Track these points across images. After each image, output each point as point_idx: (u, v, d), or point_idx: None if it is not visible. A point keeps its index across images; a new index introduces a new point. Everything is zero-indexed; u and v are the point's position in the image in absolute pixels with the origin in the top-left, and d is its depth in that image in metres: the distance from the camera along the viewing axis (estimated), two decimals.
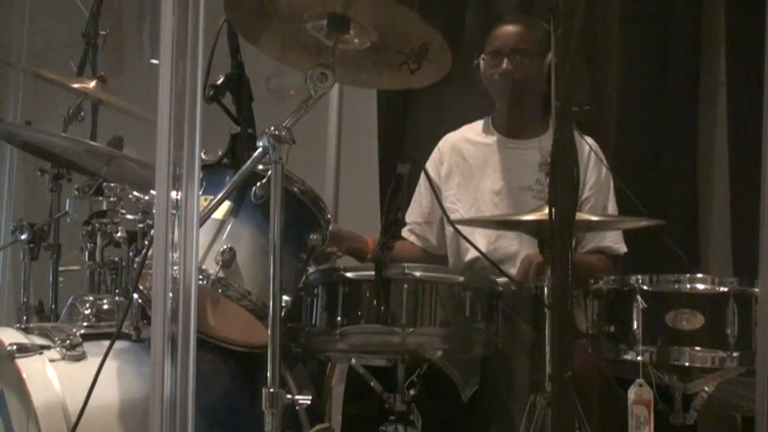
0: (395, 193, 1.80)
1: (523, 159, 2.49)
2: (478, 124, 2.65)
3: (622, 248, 2.46)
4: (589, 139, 2.40)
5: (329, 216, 2.01)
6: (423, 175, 2.52)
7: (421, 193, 2.63)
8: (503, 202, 2.49)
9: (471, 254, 2.43)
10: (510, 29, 2.50)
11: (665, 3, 2.86)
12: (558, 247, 1.47)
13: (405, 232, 2.63)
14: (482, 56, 2.51)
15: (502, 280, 2.01)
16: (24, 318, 2.38)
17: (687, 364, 1.77)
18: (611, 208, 2.45)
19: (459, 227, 2.25)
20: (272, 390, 1.59)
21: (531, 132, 2.53)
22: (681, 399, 1.86)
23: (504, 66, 2.45)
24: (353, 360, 1.97)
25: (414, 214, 2.64)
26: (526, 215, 1.92)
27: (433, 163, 2.64)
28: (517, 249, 2.41)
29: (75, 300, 2.14)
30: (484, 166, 2.56)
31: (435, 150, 2.67)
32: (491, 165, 2.55)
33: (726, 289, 1.78)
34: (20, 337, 1.92)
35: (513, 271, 2.25)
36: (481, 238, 2.43)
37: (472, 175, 2.57)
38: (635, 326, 1.77)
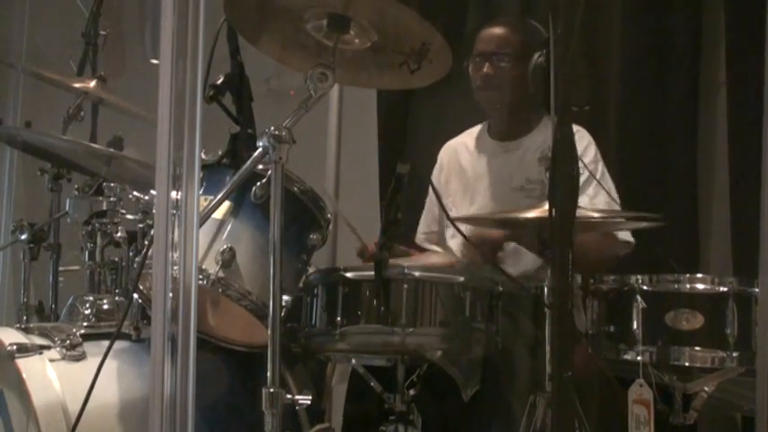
0: (395, 193, 1.80)
1: (511, 161, 2.50)
2: (476, 129, 2.67)
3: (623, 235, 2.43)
4: (581, 134, 2.40)
5: (329, 216, 2.01)
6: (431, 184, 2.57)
7: (431, 201, 2.67)
8: (496, 205, 2.50)
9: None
10: (492, 32, 2.50)
11: (665, 3, 2.86)
12: (558, 247, 1.47)
13: (422, 241, 2.68)
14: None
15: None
16: (24, 318, 2.38)
17: (687, 364, 1.78)
18: (594, 194, 2.39)
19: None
20: (272, 390, 1.59)
21: (516, 134, 2.54)
22: (681, 399, 1.86)
23: (485, 69, 2.46)
24: (353, 360, 1.97)
25: (427, 223, 2.69)
26: (526, 213, 1.92)
27: (435, 172, 2.68)
28: (515, 246, 2.42)
29: (75, 300, 2.15)
30: (478, 171, 2.58)
31: (438, 159, 2.70)
32: (484, 169, 2.57)
33: (726, 289, 1.78)
34: (20, 337, 1.92)
35: (512, 270, 2.25)
36: None
37: (468, 182, 2.59)
38: (635, 326, 1.78)
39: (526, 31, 2.44)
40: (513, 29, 2.49)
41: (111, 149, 2.20)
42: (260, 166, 1.76)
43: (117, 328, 1.90)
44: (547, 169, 1.56)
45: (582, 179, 2.33)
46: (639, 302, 1.77)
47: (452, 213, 2.55)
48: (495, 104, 2.53)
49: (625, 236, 2.42)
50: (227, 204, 1.83)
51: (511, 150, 2.54)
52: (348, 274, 1.82)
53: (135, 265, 1.99)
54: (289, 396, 1.62)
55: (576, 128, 2.39)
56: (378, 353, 1.88)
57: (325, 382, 2.28)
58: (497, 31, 2.50)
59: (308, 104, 1.76)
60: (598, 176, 2.40)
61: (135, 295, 1.94)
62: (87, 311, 2.11)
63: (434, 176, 2.66)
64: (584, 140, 2.42)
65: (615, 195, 2.38)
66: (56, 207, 2.48)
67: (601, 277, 1.92)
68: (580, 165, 2.29)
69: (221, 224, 1.83)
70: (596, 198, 2.36)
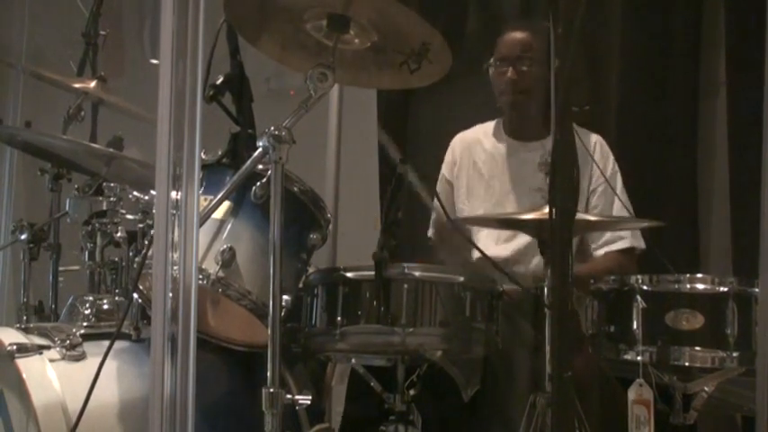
0: (395, 192, 1.80)
1: (533, 161, 2.49)
2: (490, 126, 2.66)
3: (631, 243, 2.45)
4: (595, 136, 2.45)
5: (329, 216, 2.01)
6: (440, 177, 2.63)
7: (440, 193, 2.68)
8: (513, 205, 2.50)
9: (477, 253, 2.44)
10: (516, 36, 2.50)
11: (665, 3, 2.86)
12: (558, 247, 1.47)
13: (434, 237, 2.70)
14: (491, 60, 2.52)
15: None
16: (24, 318, 2.38)
17: (687, 364, 1.78)
18: (619, 203, 2.43)
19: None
20: (272, 390, 1.59)
21: (537, 134, 2.54)
22: (681, 399, 1.86)
23: (509, 74, 2.47)
24: (353, 360, 1.97)
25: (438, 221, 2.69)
26: (526, 215, 1.92)
27: (446, 162, 2.68)
28: (523, 248, 2.43)
29: (75, 300, 2.14)
30: (494, 169, 2.58)
31: (449, 150, 2.70)
32: (501, 168, 2.57)
33: (726, 289, 1.78)
34: (20, 337, 1.92)
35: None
36: (489, 239, 2.45)
37: (482, 179, 2.59)
38: (635, 326, 1.78)
39: (548, 34, 2.43)
40: (536, 32, 2.48)
41: (111, 149, 2.20)
42: (260, 166, 1.76)
43: (117, 328, 1.89)
44: (547, 174, 1.55)
45: (599, 189, 2.38)
46: (639, 302, 1.77)
47: (462, 208, 2.57)
48: (519, 108, 2.54)
49: (638, 243, 2.43)
50: (227, 204, 1.82)
51: (532, 150, 2.52)
52: (348, 274, 1.82)
53: (135, 265, 1.99)
54: (289, 396, 1.62)
55: (595, 137, 2.44)
56: (378, 353, 1.88)
57: (325, 382, 2.28)
58: (520, 35, 2.50)
59: (308, 104, 1.75)
60: (618, 191, 2.43)
61: (135, 295, 1.94)
62: (87, 311, 2.11)
63: (446, 168, 2.67)
64: (605, 153, 2.47)
65: (629, 206, 2.41)
66: (56, 207, 2.48)
67: (601, 277, 1.93)
68: (601, 178, 2.39)
69: (221, 224, 1.83)
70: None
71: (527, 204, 2.43)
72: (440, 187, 2.66)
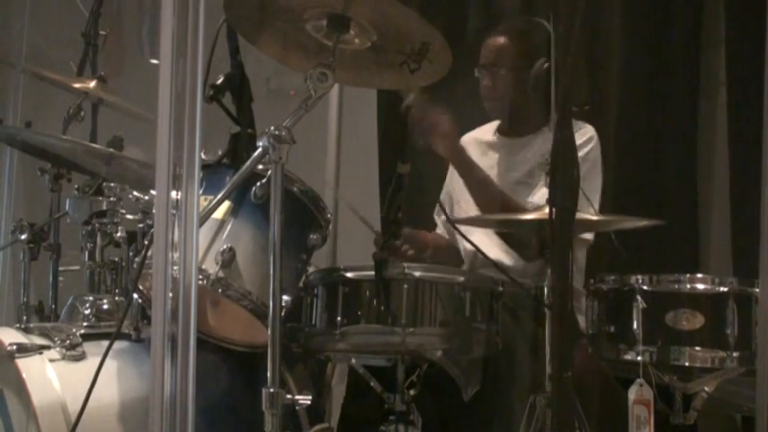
0: (395, 193, 1.80)
1: (515, 157, 2.52)
2: (489, 125, 2.68)
3: None
4: (584, 131, 2.41)
5: (329, 216, 2.01)
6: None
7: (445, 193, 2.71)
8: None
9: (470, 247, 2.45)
10: (491, 44, 2.52)
11: (666, 3, 2.86)
12: (558, 247, 1.47)
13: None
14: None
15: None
16: (24, 318, 2.37)
17: (687, 364, 1.78)
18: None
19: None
20: (272, 390, 1.59)
21: (523, 132, 2.56)
22: (681, 399, 1.86)
23: (485, 81, 2.50)
24: (353, 360, 1.97)
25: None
26: (526, 215, 1.92)
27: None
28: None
29: (75, 300, 2.14)
30: (484, 167, 2.58)
31: None
32: (489, 165, 2.57)
33: (726, 289, 1.78)
34: (20, 337, 1.92)
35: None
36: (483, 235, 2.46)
37: None
38: (635, 326, 1.78)
39: (526, 38, 2.44)
40: (512, 38, 2.49)
41: (111, 149, 2.20)
42: (260, 166, 1.76)
43: (117, 328, 1.89)
44: (547, 174, 1.55)
45: None
46: (640, 302, 1.77)
47: (459, 208, 2.57)
48: (497, 112, 2.57)
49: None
50: (227, 204, 1.82)
51: (517, 147, 2.55)
52: (348, 274, 1.82)
53: (135, 265, 1.99)
54: (289, 396, 1.62)
55: (581, 124, 2.42)
56: (378, 353, 1.89)
57: (325, 382, 2.28)
58: (495, 42, 2.52)
59: (308, 104, 1.75)
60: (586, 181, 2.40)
61: (135, 295, 1.94)
62: (87, 311, 2.11)
63: (449, 172, 2.68)
64: (581, 139, 2.43)
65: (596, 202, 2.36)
66: (56, 207, 2.48)
67: (602, 277, 1.93)
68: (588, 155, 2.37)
69: (221, 224, 1.83)
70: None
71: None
72: (444, 191, 2.68)
